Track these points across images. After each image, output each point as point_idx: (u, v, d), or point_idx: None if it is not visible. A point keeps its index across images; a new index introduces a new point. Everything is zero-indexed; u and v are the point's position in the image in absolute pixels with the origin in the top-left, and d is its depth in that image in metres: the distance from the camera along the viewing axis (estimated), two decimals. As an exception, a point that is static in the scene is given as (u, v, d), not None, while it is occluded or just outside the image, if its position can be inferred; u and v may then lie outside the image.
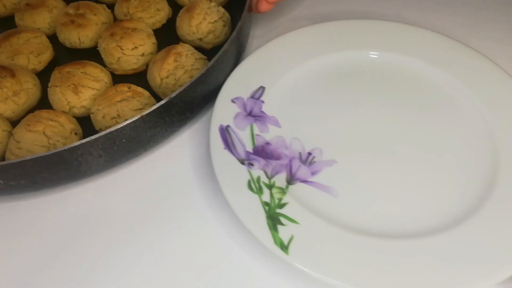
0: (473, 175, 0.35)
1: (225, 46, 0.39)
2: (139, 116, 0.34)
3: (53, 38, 0.48)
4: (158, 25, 0.49)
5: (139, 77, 0.45)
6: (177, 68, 0.41)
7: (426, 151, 0.37)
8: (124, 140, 0.35)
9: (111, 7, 0.50)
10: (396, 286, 0.29)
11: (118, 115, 0.38)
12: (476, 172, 0.35)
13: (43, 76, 0.44)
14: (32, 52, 0.45)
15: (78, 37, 0.47)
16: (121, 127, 0.34)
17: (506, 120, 0.38)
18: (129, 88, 0.40)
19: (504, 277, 0.29)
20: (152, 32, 0.47)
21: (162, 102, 0.35)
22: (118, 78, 0.45)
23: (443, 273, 0.29)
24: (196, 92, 0.38)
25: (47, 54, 0.46)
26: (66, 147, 0.32)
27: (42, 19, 0.49)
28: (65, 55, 0.48)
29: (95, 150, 0.34)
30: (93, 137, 0.33)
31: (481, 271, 0.29)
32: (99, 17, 0.48)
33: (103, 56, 0.45)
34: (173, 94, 0.35)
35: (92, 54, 0.46)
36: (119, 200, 0.38)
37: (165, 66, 0.41)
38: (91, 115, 0.40)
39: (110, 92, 0.39)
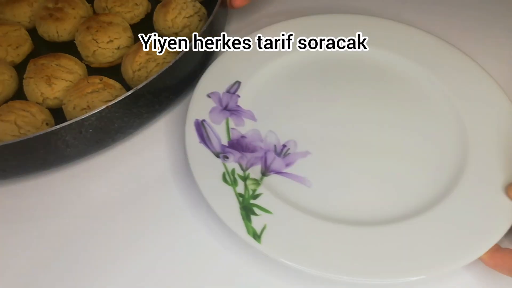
0: (442, 165, 0.36)
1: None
2: (104, 106, 0.35)
3: (33, 31, 0.49)
4: (136, 20, 0.50)
5: (115, 70, 0.45)
6: (149, 61, 0.42)
7: (397, 142, 0.38)
8: (91, 130, 0.36)
9: (90, 1, 0.51)
10: (370, 272, 0.30)
11: (88, 106, 0.39)
12: (446, 162, 0.37)
13: (22, 68, 0.45)
14: (11, 44, 0.46)
15: (56, 30, 0.47)
16: (87, 116, 0.34)
17: (479, 116, 0.39)
18: (100, 80, 0.40)
19: (470, 261, 0.30)
20: (129, 26, 0.47)
21: (128, 93, 0.36)
22: (94, 71, 0.45)
23: (413, 258, 0.30)
24: (165, 85, 0.39)
25: (26, 47, 0.47)
26: (31, 136, 0.33)
27: (23, 13, 0.49)
28: (44, 48, 0.48)
29: (62, 140, 0.35)
30: (57, 126, 0.33)
31: (448, 254, 0.30)
32: (77, 11, 0.48)
33: (79, 49, 0.46)
34: (139, 86, 0.36)
35: (70, 47, 0.46)
36: (90, 191, 0.38)
37: (137, 59, 0.42)
38: (63, 106, 0.40)
39: (81, 83, 0.40)
